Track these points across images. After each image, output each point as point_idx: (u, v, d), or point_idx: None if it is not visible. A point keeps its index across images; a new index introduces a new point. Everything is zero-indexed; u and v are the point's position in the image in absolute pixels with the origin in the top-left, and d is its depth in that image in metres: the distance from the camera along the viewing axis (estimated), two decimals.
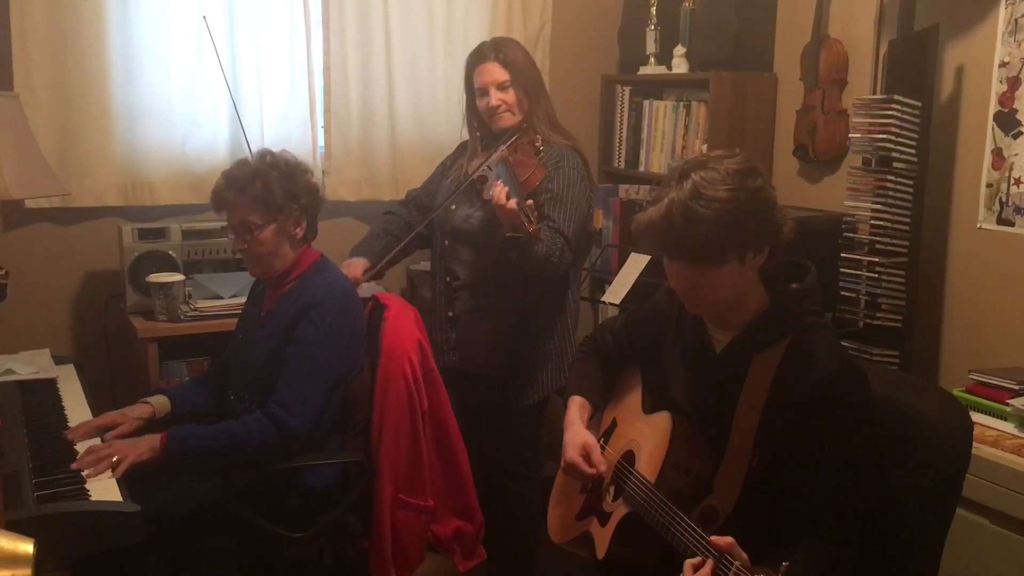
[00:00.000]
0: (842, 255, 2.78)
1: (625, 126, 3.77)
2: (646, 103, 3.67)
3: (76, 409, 2.40)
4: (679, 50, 3.50)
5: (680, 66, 3.51)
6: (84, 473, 2.04)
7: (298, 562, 2.34)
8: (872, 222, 2.72)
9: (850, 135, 2.87)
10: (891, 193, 2.69)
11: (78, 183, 3.08)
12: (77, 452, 2.15)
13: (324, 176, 3.42)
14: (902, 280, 2.71)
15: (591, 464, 1.90)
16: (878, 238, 2.71)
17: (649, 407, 1.93)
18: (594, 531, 1.93)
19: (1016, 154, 2.61)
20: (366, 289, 2.77)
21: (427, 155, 3.44)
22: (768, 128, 3.40)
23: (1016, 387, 2.37)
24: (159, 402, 2.47)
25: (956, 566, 1.99)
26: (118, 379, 3.20)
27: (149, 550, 2.18)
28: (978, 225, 2.73)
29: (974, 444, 1.74)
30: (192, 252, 3.09)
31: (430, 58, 3.51)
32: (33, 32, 2.97)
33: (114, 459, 2.09)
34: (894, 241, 2.71)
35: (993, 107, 2.66)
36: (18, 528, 1.28)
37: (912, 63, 2.69)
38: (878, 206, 2.70)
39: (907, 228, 2.70)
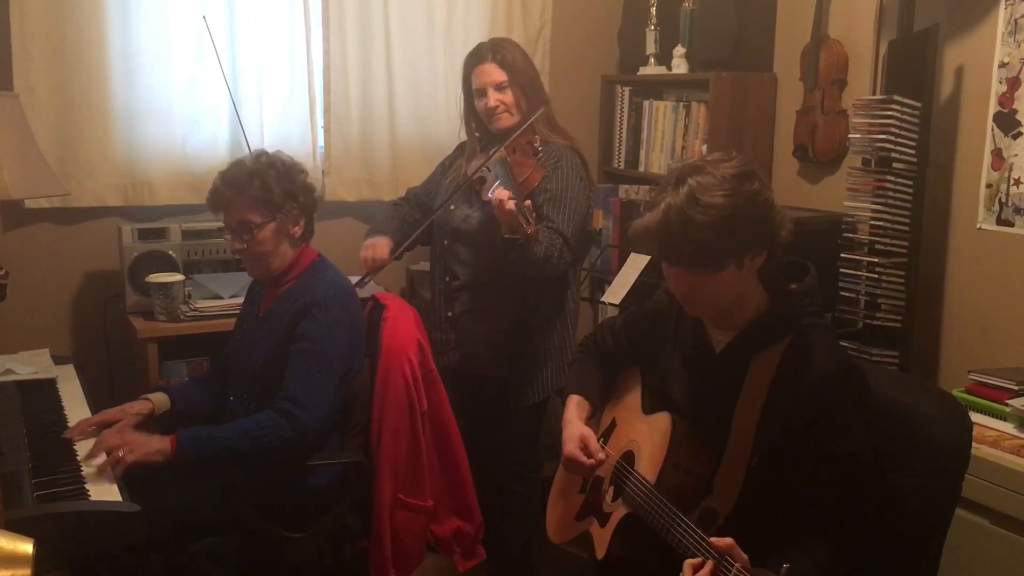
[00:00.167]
0: (842, 255, 2.78)
1: (625, 126, 3.77)
2: (646, 103, 3.67)
3: (76, 409, 2.39)
4: (679, 50, 3.50)
5: (680, 66, 3.51)
6: (94, 463, 2.04)
7: (298, 562, 2.34)
8: (872, 222, 2.72)
9: (850, 135, 2.87)
10: (891, 193, 2.69)
11: (78, 183, 3.08)
12: (76, 451, 2.15)
13: (324, 176, 3.42)
14: (902, 280, 2.71)
15: (589, 455, 1.90)
16: (878, 238, 2.71)
17: (649, 407, 1.93)
18: (593, 531, 1.93)
19: (1016, 155, 2.61)
20: (366, 289, 2.77)
21: (427, 155, 3.45)
22: (768, 128, 3.40)
23: (1016, 387, 2.38)
24: (158, 399, 2.47)
25: (956, 566, 1.99)
26: (118, 379, 3.20)
27: (149, 550, 2.17)
28: (978, 226, 2.73)
29: (973, 444, 1.74)
30: (192, 252, 3.09)
31: (430, 58, 3.51)
32: (33, 32, 2.97)
33: (121, 453, 2.08)
34: (894, 241, 2.71)
35: (993, 107, 2.66)
36: (18, 528, 1.28)
37: (912, 63, 2.69)
38: (878, 206, 2.70)
39: (907, 228, 2.70)
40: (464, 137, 2.91)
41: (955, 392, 2.36)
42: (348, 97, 3.41)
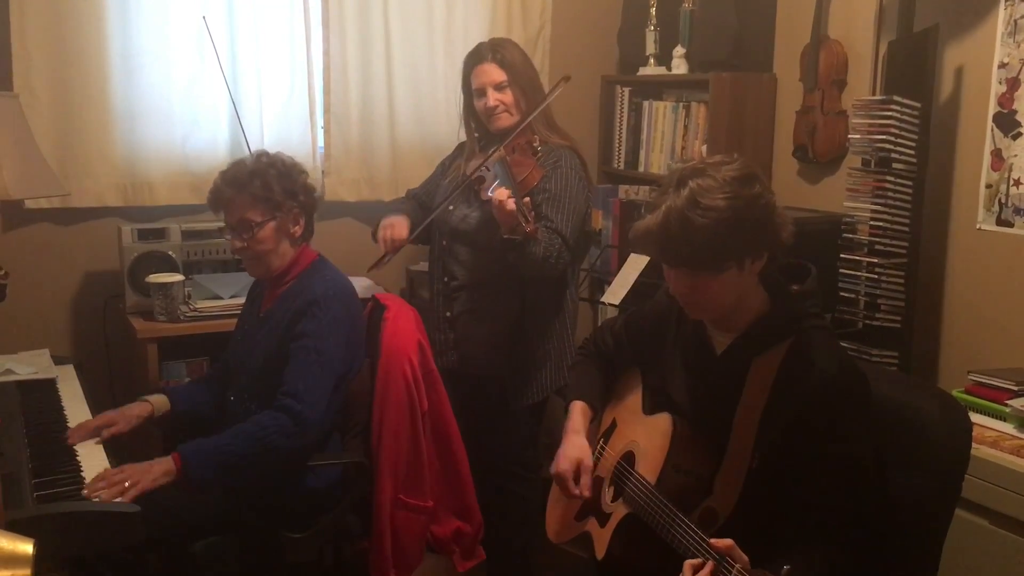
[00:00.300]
0: (841, 256, 2.78)
1: (625, 127, 3.77)
2: (646, 104, 3.67)
3: (75, 409, 2.39)
4: (679, 51, 3.50)
5: (680, 67, 3.51)
6: (97, 498, 1.96)
7: (298, 562, 2.34)
8: (871, 223, 2.72)
9: (849, 136, 2.87)
10: (890, 194, 2.69)
11: (78, 183, 3.08)
12: (77, 453, 2.14)
13: (324, 176, 3.42)
14: (901, 281, 2.71)
15: (577, 484, 1.90)
16: (877, 239, 2.72)
17: (649, 408, 1.93)
18: (593, 531, 1.93)
19: (1015, 155, 2.61)
20: (366, 289, 2.77)
21: (427, 155, 3.44)
22: (768, 129, 3.40)
23: (1015, 388, 2.38)
24: (158, 401, 2.46)
25: (955, 567, 1.99)
26: (117, 379, 3.20)
27: (149, 550, 2.17)
28: (977, 226, 2.73)
29: (973, 445, 1.74)
30: (192, 252, 3.09)
31: (430, 58, 3.51)
32: (33, 32, 2.97)
33: (126, 484, 2.02)
34: (893, 242, 2.71)
35: (992, 108, 2.66)
36: (18, 528, 1.28)
37: (911, 64, 2.69)
38: (877, 207, 2.70)
39: (906, 229, 2.71)
40: (464, 137, 2.91)
41: (955, 392, 2.36)
42: (348, 97, 3.41)
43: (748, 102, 3.33)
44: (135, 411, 2.39)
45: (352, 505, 2.43)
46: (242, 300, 2.73)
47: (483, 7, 3.56)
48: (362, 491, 2.44)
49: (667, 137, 3.56)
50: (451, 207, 2.78)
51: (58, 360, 2.74)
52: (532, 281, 2.68)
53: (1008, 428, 2.34)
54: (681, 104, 3.48)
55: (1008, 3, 2.61)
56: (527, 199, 2.46)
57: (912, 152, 2.68)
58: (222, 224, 2.47)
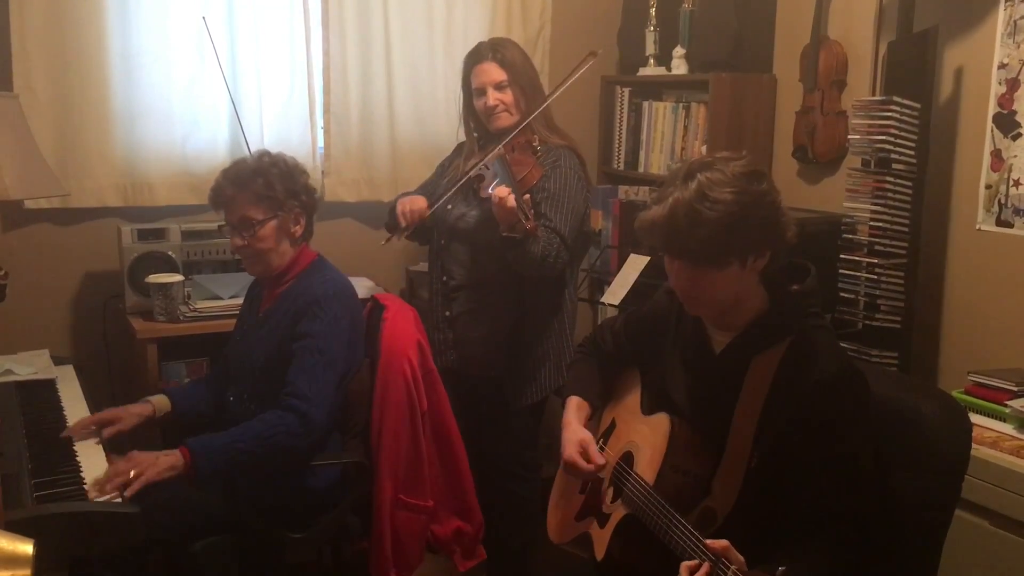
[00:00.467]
0: (841, 256, 2.78)
1: (624, 127, 3.77)
2: (645, 104, 3.67)
3: (75, 410, 2.39)
4: (678, 51, 3.51)
5: (680, 67, 3.51)
6: (103, 498, 1.95)
7: (298, 562, 2.34)
8: (871, 223, 2.72)
9: (849, 136, 2.87)
10: (890, 194, 2.69)
11: (78, 183, 3.08)
12: (76, 451, 2.14)
13: (324, 177, 3.42)
14: (901, 281, 2.71)
15: (589, 460, 1.90)
16: (877, 239, 2.72)
17: (648, 408, 1.93)
18: (593, 532, 1.93)
19: (1015, 156, 2.61)
20: (366, 290, 2.77)
21: (427, 155, 3.44)
22: (767, 129, 3.40)
23: (1015, 388, 2.38)
24: (159, 401, 2.47)
25: (955, 567, 2.00)
26: (117, 380, 3.20)
27: (149, 550, 2.17)
28: (977, 226, 2.73)
29: (973, 445, 1.74)
30: (191, 253, 3.09)
31: (430, 58, 3.51)
32: (33, 32, 2.97)
33: (131, 474, 2.02)
34: (893, 242, 2.71)
35: (992, 109, 2.66)
36: (17, 528, 1.28)
37: (911, 64, 2.69)
38: (877, 207, 2.71)
39: (906, 229, 2.71)
40: (463, 137, 2.91)
41: (954, 393, 2.36)
42: (348, 97, 3.41)
43: (748, 102, 3.33)
44: (136, 410, 2.41)
45: (352, 505, 2.43)
46: (241, 300, 2.73)
47: (483, 7, 3.56)
48: (362, 491, 2.44)
49: (667, 137, 3.56)
50: (450, 206, 2.78)
51: (58, 360, 2.75)
52: (531, 281, 2.68)
53: (1008, 429, 2.34)
54: (681, 104, 3.49)
55: (1008, 4, 2.61)
56: (527, 196, 2.47)
57: (912, 153, 2.68)
58: (222, 223, 2.47)
